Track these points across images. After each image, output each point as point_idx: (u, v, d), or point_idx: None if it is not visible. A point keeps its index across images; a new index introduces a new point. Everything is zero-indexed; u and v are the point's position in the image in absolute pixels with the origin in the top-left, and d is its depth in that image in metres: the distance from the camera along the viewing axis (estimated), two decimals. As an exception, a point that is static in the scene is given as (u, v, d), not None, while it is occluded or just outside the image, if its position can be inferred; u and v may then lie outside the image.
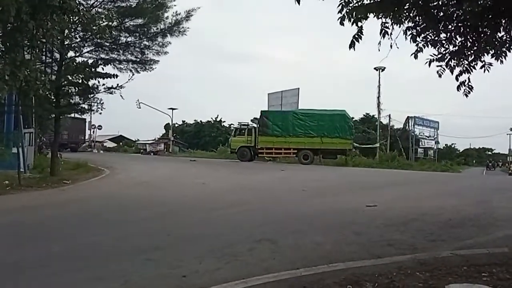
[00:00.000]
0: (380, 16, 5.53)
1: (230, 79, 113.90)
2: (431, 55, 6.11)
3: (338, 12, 5.31)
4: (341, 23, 5.31)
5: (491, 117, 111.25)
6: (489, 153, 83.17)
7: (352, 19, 5.30)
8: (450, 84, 6.52)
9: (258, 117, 31.44)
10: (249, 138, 30.01)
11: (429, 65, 6.14)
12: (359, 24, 5.40)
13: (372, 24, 5.66)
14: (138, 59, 18.48)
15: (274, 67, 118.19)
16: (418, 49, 5.98)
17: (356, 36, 5.51)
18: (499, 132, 70.95)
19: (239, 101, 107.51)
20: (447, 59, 6.12)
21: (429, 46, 6.00)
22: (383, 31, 5.64)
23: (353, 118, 64.23)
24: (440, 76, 6.21)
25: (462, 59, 6.11)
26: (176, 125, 63.31)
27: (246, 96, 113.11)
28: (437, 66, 6.18)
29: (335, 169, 26.69)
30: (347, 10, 5.28)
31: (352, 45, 5.59)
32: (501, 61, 5.93)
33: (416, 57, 5.99)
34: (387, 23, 5.63)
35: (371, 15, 5.41)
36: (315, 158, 28.93)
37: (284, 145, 29.09)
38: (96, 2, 16.02)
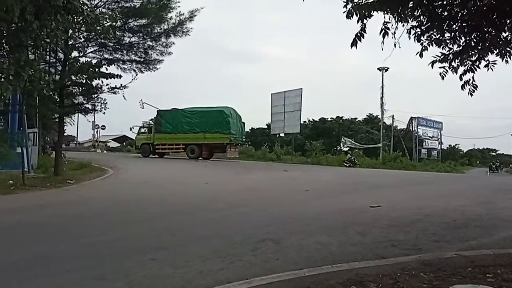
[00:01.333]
0: (384, 14, 5.51)
1: (234, 78, 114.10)
2: (434, 56, 6.10)
3: (344, 7, 5.30)
4: (348, 17, 5.30)
5: (494, 117, 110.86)
6: (493, 153, 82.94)
7: (356, 16, 5.28)
8: (454, 85, 6.51)
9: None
10: (149, 135, 33.12)
11: (432, 66, 6.13)
12: (363, 21, 5.39)
13: (377, 24, 5.65)
14: (142, 59, 18.56)
15: (278, 67, 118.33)
16: (423, 47, 5.97)
17: (359, 34, 5.49)
18: (503, 133, 70.71)
19: (243, 101, 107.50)
20: (450, 59, 6.10)
21: (434, 45, 5.98)
22: (384, 30, 5.62)
23: (356, 118, 64.56)
24: (443, 78, 6.21)
25: (465, 59, 6.09)
26: (179, 125, 63.28)
27: (250, 96, 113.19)
28: (440, 67, 6.17)
29: (338, 169, 26.72)
30: (352, 6, 5.26)
31: (354, 43, 5.57)
32: (506, 61, 5.91)
33: (421, 55, 5.98)
34: (390, 22, 5.62)
35: (375, 13, 5.39)
36: (203, 153, 31.12)
37: (174, 141, 31.78)
38: (100, 2, 16.10)
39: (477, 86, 6.22)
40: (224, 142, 30.66)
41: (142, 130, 34.28)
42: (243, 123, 34.27)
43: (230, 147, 31.30)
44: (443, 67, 6.19)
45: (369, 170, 27.79)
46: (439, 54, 6.15)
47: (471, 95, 6.25)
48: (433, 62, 6.12)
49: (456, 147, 71.94)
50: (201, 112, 31.67)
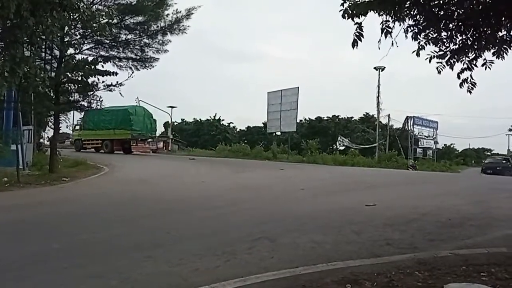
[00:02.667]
0: (381, 14, 5.52)
1: (232, 77, 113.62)
2: (432, 52, 6.12)
3: (340, 5, 5.31)
4: (343, 16, 5.31)
5: (489, 117, 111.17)
6: (488, 153, 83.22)
7: (351, 15, 5.29)
8: (450, 84, 6.54)
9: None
10: (80, 132, 37.20)
11: (430, 61, 6.15)
12: (358, 20, 5.40)
13: (375, 23, 5.66)
14: (138, 57, 18.46)
15: (276, 66, 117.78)
16: (420, 46, 5.98)
17: (357, 34, 5.50)
18: (497, 133, 70.97)
19: (241, 100, 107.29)
20: (448, 56, 6.12)
21: (431, 44, 6.00)
22: (385, 29, 5.63)
23: (352, 117, 64.71)
24: (439, 72, 6.22)
25: (463, 57, 6.11)
26: (175, 123, 63.33)
27: (248, 95, 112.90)
28: (437, 62, 6.19)
29: (334, 168, 26.77)
30: (349, 5, 5.27)
31: (354, 43, 5.58)
32: (502, 57, 5.92)
33: (418, 54, 6.00)
34: (388, 21, 5.63)
35: (371, 12, 5.40)
36: (115, 147, 34.99)
37: (95, 137, 35.94)
38: (96, -1, 16.00)
39: (475, 83, 6.24)
40: (128, 138, 34.50)
41: (76, 127, 37.93)
42: (154, 120, 37.76)
43: (136, 142, 35.56)
44: (440, 63, 6.21)
45: (364, 169, 27.82)
46: (437, 50, 6.17)
47: (470, 92, 6.27)
48: (430, 58, 6.14)
49: (452, 146, 72.18)
50: (112, 111, 34.61)
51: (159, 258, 5.07)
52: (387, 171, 26.49)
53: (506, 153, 63.29)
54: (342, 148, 49.19)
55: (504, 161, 39.22)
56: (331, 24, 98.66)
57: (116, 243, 5.95)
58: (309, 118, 66.39)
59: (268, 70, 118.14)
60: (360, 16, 5.41)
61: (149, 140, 38.00)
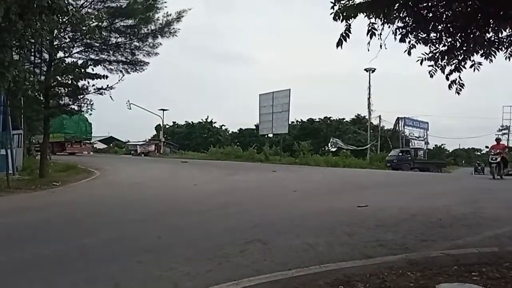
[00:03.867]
0: (370, 16, 5.55)
1: (224, 80, 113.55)
2: (422, 54, 6.17)
3: (331, 8, 5.32)
4: (334, 19, 5.34)
5: (479, 117, 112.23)
6: (478, 153, 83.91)
7: (341, 17, 5.32)
8: (440, 85, 6.57)
9: None
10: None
11: (421, 63, 6.19)
12: (348, 22, 5.42)
13: (364, 25, 5.68)
14: (129, 60, 18.41)
15: (268, 68, 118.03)
16: (411, 45, 6.02)
17: (344, 34, 5.51)
18: (487, 133, 71.63)
19: (233, 103, 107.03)
20: (437, 58, 6.17)
21: (421, 43, 6.05)
22: (370, 31, 5.66)
23: (343, 119, 65.00)
24: (432, 76, 6.27)
25: (452, 59, 6.16)
26: (167, 126, 63.11)
27: (239, 97, 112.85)
28: (429, 66, 6.24)
29: (326, 169, 26.85)
30: (339, 8, 5.30)
31: (339, 43, 5.59)
32: (491, 60, 5.98)
33: (409, 53, 6.04)
34: (376, 23, 5.66)
35: (361, 15, 5.43)
36: (55, 149, 37.76)
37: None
38: (86, 2, 15.95)
39: (463, 84, 6.29)
40: (61, 140, 38.69)
41: None
42: (90, 123, 40.98)
43: (71, 143, 39.70)
44: (432, 65, 6.26)
45: (356, 170, 27.94)
46: (427, 52, 6.22)
47: (458, 94, 6.33)
48: (421, 60, 6.19)
49: (442, 147, 72.75)
50: None
51: (151, 263, 5.02)
52: (379, 172, 26.60)
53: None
54: (334, 149, 49.34)
55: (401, 154, 38.24)
56: (321, 26, 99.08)
57: (106, 248, 5.90)
58: (301, 119, 66.57)
59: (261, 72, 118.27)
60: (351, 18, 5.44)
61: (86, 141, 42.31)
